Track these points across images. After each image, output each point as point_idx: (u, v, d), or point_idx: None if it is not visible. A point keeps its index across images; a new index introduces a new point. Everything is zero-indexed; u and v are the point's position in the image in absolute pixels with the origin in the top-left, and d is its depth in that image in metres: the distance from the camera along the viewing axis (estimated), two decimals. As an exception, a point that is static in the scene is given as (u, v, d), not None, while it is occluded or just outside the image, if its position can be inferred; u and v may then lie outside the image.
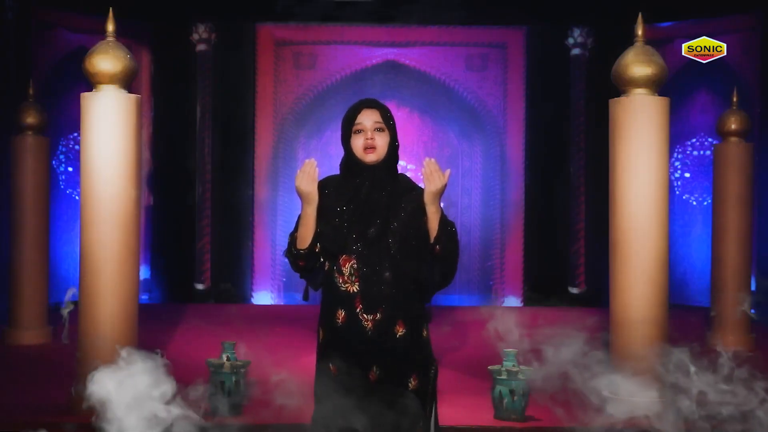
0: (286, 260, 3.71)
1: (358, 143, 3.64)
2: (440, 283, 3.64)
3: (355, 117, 3.65)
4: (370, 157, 3.63)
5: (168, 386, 3.11)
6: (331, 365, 3.58)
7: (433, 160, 3.57)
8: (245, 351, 6.13)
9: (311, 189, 3.59)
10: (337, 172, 3.76)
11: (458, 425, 5.89)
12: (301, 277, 3.71)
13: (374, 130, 3.64)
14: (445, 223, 3.57)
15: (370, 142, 3.62)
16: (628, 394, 5.87)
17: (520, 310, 11.32)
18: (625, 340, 6.06)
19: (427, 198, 3.56)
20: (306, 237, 3.59)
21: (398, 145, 3.70)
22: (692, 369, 3.14)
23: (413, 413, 3.56)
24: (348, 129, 3.65)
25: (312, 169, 3.60)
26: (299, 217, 3.64)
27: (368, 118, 3.64)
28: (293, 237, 3.65)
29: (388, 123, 3.66)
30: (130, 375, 3.11)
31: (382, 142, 3.64)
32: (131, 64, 6.14)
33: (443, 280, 3.63)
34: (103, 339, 6.00)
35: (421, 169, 3.60)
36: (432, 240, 3.56)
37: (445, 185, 3.56)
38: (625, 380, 5.79)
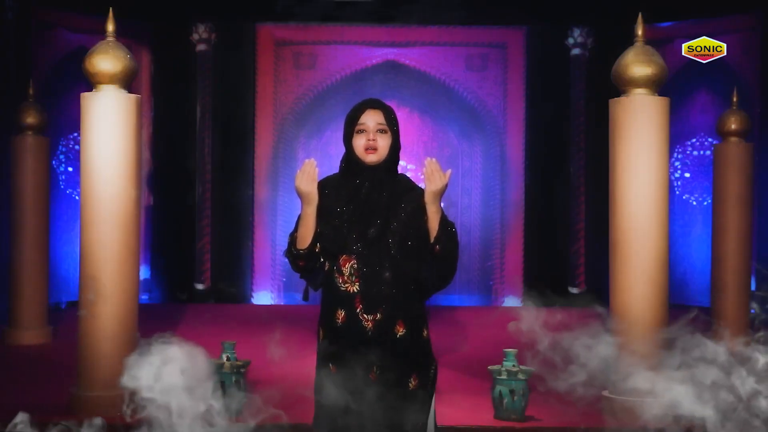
0: (286, 260, 3.71)
1: (359, 143, 3.63)
2: (439, 284, 3.64)
3: (358, 117, 3.65)
4: (371, 158, 3.62)
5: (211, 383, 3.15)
6: (331, 365, 3.58)
7: (434, 160, 3.57)
8: (284, 347, 6.08)
9: (311, 189, 3.59)
10: (337, 172, 3.76)
11: (458, 425, 5.89)
12: (301, 277, 3.71)
13: (377, 131, 3.63)
14: (445, 223, 3.56)
15: (371, 143, 3.62)
16: (628, 394, 5.88)
17: (521, 310, 11.30)
18: (625, 341, 6.05)
19: (428, 198, 3.55)
20: (306, 237, 3.59)
21: (400, 146, 3.70)
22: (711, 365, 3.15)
23: (413, 413, 3.56)
24: (350, 128, 3.65)
25: (312, 169, 3.60)
26: (299, 217, 3.64)
27: (371, 119, 3.64)
28: (293, 237, 3.65)
29: (391, 124, 3.65)
30: (179, 368, 3.12)
31: (383, 143, 3.64)
32: (131, 64, 6.15)
33: (442, 281, 3.63)
34: (104, 339, 6.01)
35: (422, 168, 3.60)
36: (432, 240, 3.55)
37: (446, 185, 3.56)
38: (624, 380, 5.79)
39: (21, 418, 3.17)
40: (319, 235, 3.59)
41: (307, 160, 3.63)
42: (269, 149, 11.95)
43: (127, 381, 3.10)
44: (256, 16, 11.80)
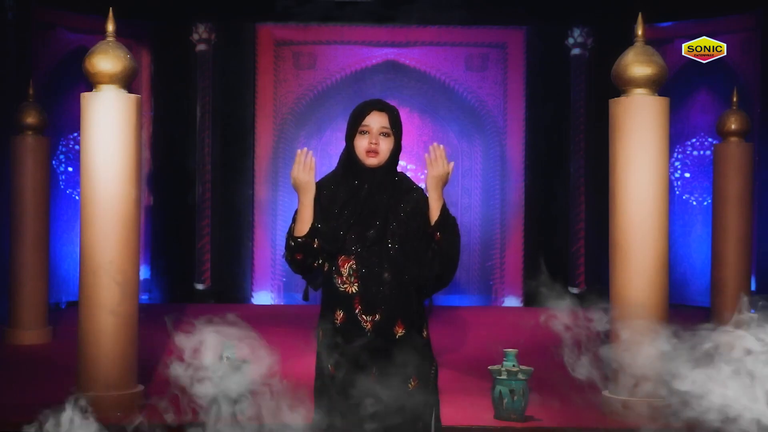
0: (286, 262, 3.70)
1: (361, 144, 3.62)
2: (441, 279, 3.62)
3: (362, 117, 3.63)
4: (371, 161, 3.61)
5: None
6: (330, 366, 3.58)
7: (441, 146, 3.58)
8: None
9: (309, 178, 3.58)
10: (335, 169, 3.74)
11: (458, 425, 5.89)
12: (303, 277, 3.72)
13: (380, 134, 3.62)
14: (447, 213, 3.57)
15: (373, 147, 3.60)
16: (628, 393, 5.88)
17: (522, 310, 11.34)
18: (626, 339, 6.05)
19: (429, 183, 3.56)
20: (303, 227, 3.58)
21: (401, 148, 3.69)
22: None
23: (413, 414, 3.55)
24: (353, 128, 3.64)
25: (309, 159, 3.59)
26: (296, 212, 3.64)
27: (376, 122, 3.62)
28: (291, 229, 3.63)
29: (395, 128, 3.64)
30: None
31: (385, 147, 3.62)
32: (131, 64, 6.15)
33: (443, 277, 3.61)
34: (104, 339, 6.01)
35: (425, 162, 3.60)
36: (432, 223, 3.55)
37: (449, 174, 3.56)
38: (624, 380, 5.79)
39: (77, 401, 3.20)
40: (318, 233, 3.59)
41: (299, 151, 3.60)
42: (269, 149, 11.95)
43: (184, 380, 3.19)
44: (256, 16, 11.79)
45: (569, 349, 3.67)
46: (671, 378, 3.18)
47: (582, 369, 3.62)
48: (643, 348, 5.69)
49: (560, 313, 3.71)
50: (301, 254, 3.59)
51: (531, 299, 11.58)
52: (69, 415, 3.15)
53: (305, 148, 3.63)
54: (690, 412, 3.12)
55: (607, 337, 5.79)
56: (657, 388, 5.37)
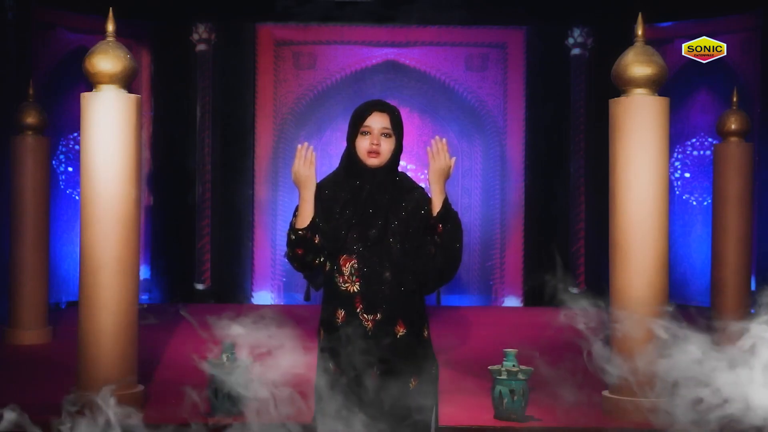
0: (286, 261, 3.71)
1: (362, 145, 3.62)
2: (439, 280, 3.63)
3: (363, 118, 3.63)
4: (372, 162, 3.62)
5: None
6: (331, 365, 3.58)
7: (444, 140, 3.60)
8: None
9: (310, 172, 3.59)
10: (336, 168, 3.75)
11: (458, 425, 5.89)
12: (304, 277, 3.72)
13: (381, 135, 3.62)
14: (449, 205, 3.57)
15: (375, 147, 3.61)
16: (628, 393, 5.88)
17: (522, 310, 11.35)
18: (625, 339, 6.05)
19: (431, 176, 3.57)
20: (304, 221, 3.59)
21: (402, 149, 3.69)
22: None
23: (414, 414, 3.56)
24: (355, 128, 3.64)
25: (309, 153, 3.59)
26: (296, 208, 3.64)
27: (377, 122, 3.62)
28: (292, 225, 3.63)
29: (396, 128, 3.65)
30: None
31: (387, 147, 3.63)
32: (131, 64, 6.15)
33: (445, 272, 3.61)
34: (103, 339, 6.01)
35: (428, 154, 3.60)
36: (434, 214, 3.55)
37: (451, 167, 3.58)
38: (624, 380, 5.79)
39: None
40: (318, 229, 3.59)
41: (300, 146, 3.61)
42: (269, 149, 11.96)
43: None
44: (256, 16, 11.80)
45: (574, 348, 3.67)
46: (677, 378, 3.18)
47: (586, 368, 3.62)
48: (647, 347, 5.70)
49: (568, 312, 3.71)
50: (301, 249, 3.59)
51: (531, 299, 11.58)
52: (106, 410, 3.18)
53: (306, 143, 3.63)
54: (696, 413, 3.11)
55: (611, 336, 5.80)
56: (661, 388, 5.36)
